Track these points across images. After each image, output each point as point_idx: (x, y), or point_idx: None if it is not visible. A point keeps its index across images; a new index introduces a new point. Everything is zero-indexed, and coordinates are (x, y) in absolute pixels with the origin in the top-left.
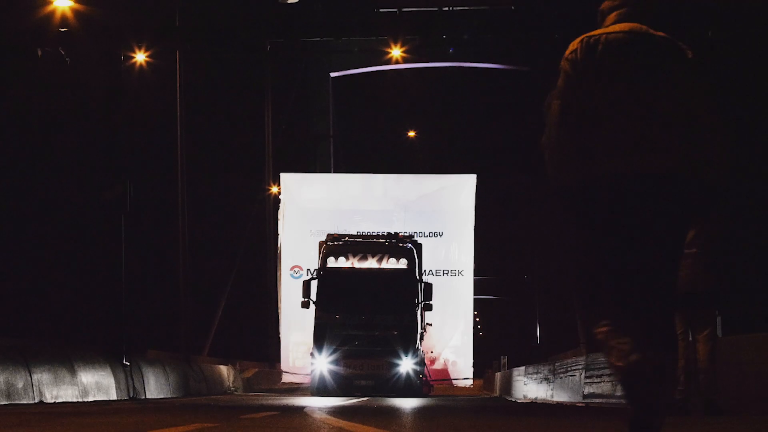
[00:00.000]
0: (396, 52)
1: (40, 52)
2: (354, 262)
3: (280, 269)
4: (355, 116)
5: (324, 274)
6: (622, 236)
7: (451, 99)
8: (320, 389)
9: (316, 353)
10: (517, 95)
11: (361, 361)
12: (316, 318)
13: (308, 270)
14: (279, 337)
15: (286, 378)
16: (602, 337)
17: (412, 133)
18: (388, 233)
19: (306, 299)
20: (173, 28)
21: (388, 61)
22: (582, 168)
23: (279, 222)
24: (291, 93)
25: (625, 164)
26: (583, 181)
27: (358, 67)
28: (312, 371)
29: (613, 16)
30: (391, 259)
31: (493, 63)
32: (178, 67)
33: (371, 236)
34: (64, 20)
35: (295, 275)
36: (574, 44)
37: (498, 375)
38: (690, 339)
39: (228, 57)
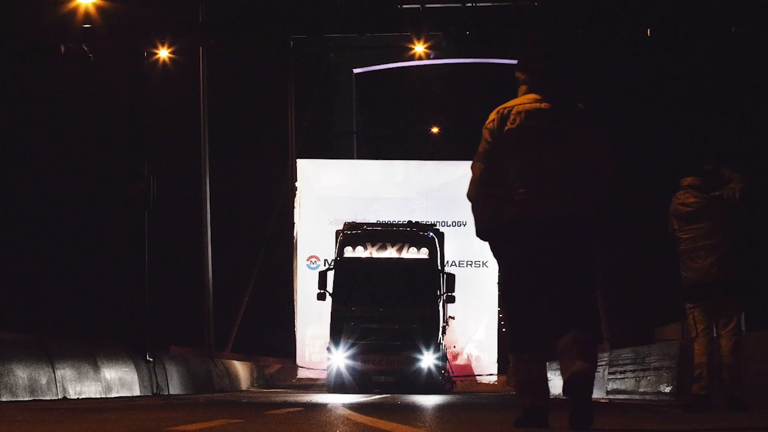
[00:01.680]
0: (419, 48)
1: (63, 49)
2: (372, 252)
3: (296, 259)
4: (378, 112)
5: (341, 264)
6: (530, 262)
7: (473, 95)
8: (337, 385)
9: (332, 348)
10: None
11: (380, 356)
12: (332, 311)
13: (325, 261)
14: (295, 331)
15: (301, 373)
16: (525, 370)
17: (435, 129)
18: (409, 221)
19: (322, 291)
20: (196, 24)
21: (412, 57)
22: (499, 215)
23: (295, 210)
24: (314, 89)
25: (532, 211)
26: (500, 224)
27: (381, 64)
28: (328, 366)
29: (523, 88)
30: (411, 248)
31: (514, 59)
32: (201, 63)
33: (391, 225)
34: (87, 17)
35: (312, 266)
36: (492, 115)
37: None
38: (714, 334)
39: (251, 53)
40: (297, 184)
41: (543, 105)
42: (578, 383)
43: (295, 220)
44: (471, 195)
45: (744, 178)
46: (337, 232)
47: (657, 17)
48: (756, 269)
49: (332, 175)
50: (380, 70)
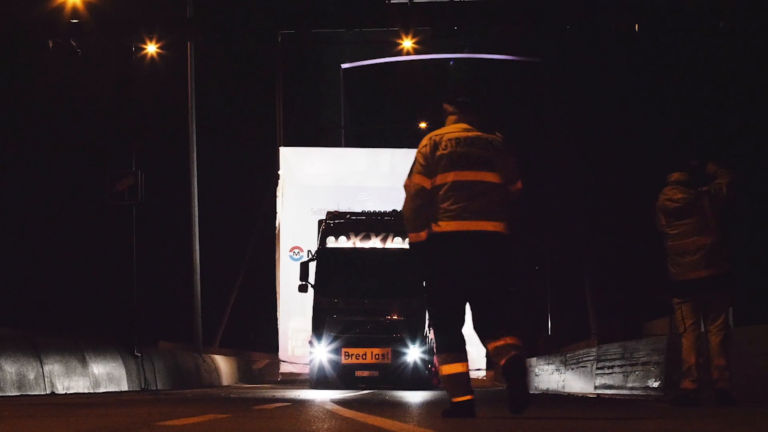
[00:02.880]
0: (407, 43)
1: (51, 44)
2: (356, 242)
3: (279, 250)
4: (366, 107)
5: (323, 254)
6: (457, 272)
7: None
8: (319, 381)
9: (314, 341)
10: (529, 86)
11: (364, 350)
12: (314, 303)
13: (309, 251)
14: (277, 324)
15: (284, 368)
16: (453, 375)
17: (423, 125)
18: (394, 210)
19: (304, 282)
20: (184, 20)
21: (400, 53)
22: (430, 229)
23: (278, 199)
24: (302, 84)
25: (461, 226)
26: (431, 237)
27: (369, 59)
28: (311, 361)
29: (452, 118)
30: (396, 238)
31: (504, 54)
32: (189, 58)
33: (375, 214)
34: (75, 12)
35: (295, 257)
36: (425, 140)
37: None
38: (702, 330)
39: (239, 48)
40: (279, 172)
41: (470, 134)
42: (516, 364)
43: (278, 210)
44: (406, 210)
45: (731, 174)
46: (320, 222)
47: (645, 12)
48: (743, 265)
49: (316, 164)
50: (368, 65)
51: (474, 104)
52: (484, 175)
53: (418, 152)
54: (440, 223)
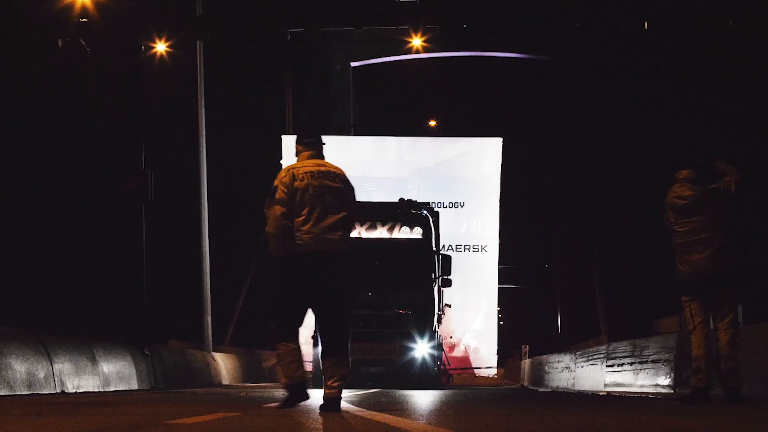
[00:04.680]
0: (416, 41)
1: (60, 43)
2: (361, 232)
3: None
4: (375, 106)
5: None
6: (305, 281)
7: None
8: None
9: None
10: (538, 85)
11: (370, 345)
12: None
13: None
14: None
15: None
16: (279, 352)
17: (432, 123)
18: (401, 199)
19: None
20: (193, 18)
21: (409, 51)
22: (289, 247)
23: None
24: (311, 83)
25: (314, 246)
26: (288, 254)
27: (378, 57)
28: (314, 357)
29: (305, 154)
30: (403, 227)
31: (513, 53)
32: (198, 57)
33: (381, 203)
34: (84, 11)
35: None
36: (284, 172)
37: (526, 363)
38: (711, 327)
39: (248, 47)
40: (282, 162)
41: (322, 168)
42: (333, 404)
43: None
44: (271, 229)
45: (739, 171)
46: None
47: (653, 11)
48: (752, 262)
49: None
50: (378, 63)
51: (318, 143)
52: (333, 203)
53: (279, 182)
54: (298, 242)
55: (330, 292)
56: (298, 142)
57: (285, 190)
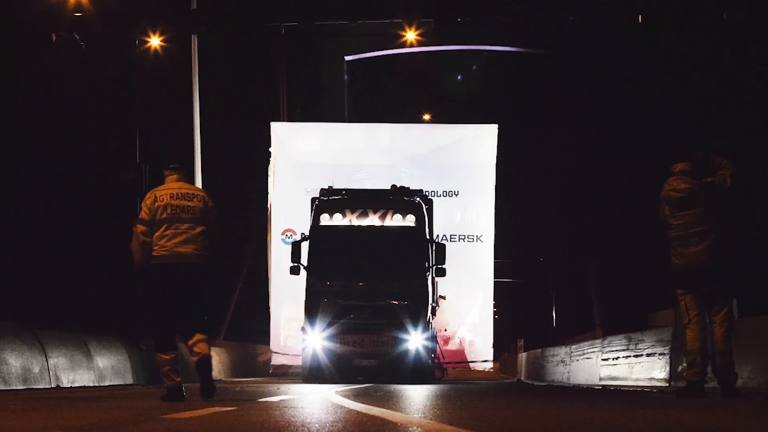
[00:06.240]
0: (410, 35)
1: (54, 37)
2: (352, 219)
3: (270, 233)
4: (369, 99)
5: (316, 233)
6: (171, 289)
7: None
8: (313, 372)
9: (307, 328)
10: (532, 79)
11: (361, 337)
12: (307, 286)
13: (302, 234)
14: (269, 313)
15: (276, 360)
16: (159, 361)
17: (427, 117)
18: (393, 186)
19: (295, 264)
20: (188, 12)
21: (403, 45)
22: (148, 260)
23: (269, 179)
24: (305, 76)
25: (173, 258)
26: (152, 265)
27: (372, 51)
28: (303, 349)
29: (170, 178)
30: (396, 215)
31: (507, 46)
32: (193, 51)
33: (372, 190)
34: (78, 5)
35: (287, 240)
36: (150, 194)
37: (522, 357)
38: (706, 320)
39: (242, 41)
40: (270, 149)
41: (183, 190)
42: (205, 362)
43: (269, 191)
44: (132, 245)
45: (735, 165)
46: (313, 200)
47: (648, 3)
48: (748, 256)
49: (309, 140)
50: (372, 57)
51: (182, 168)
52: (193, 219)
53: (144, 203)
54: (159, 255)
55: (186, 300)
56: (164, 167)
57: (147, 211)
